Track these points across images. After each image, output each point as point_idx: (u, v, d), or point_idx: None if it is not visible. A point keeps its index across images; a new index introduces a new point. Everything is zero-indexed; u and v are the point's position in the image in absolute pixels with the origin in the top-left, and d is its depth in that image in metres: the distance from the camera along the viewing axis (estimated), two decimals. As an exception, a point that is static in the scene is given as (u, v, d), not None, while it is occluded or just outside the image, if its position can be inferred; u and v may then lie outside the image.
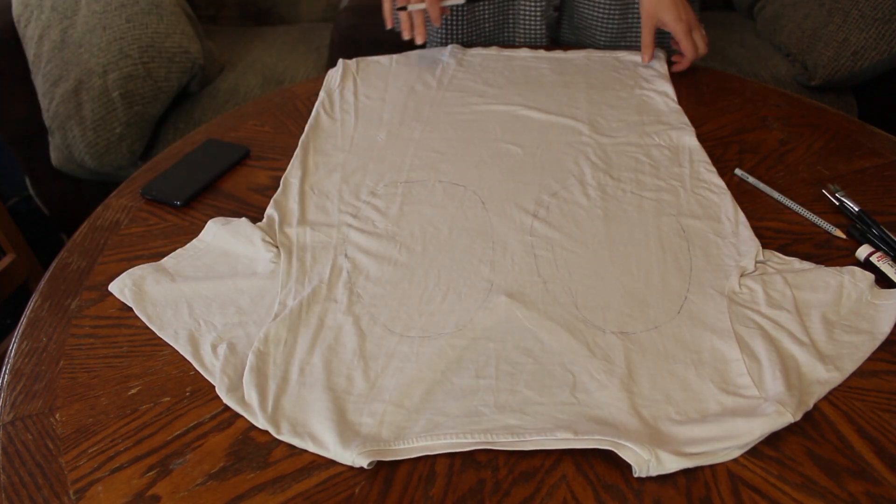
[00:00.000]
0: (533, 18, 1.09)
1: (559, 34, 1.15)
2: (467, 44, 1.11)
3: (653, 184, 0.76)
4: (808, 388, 0.53)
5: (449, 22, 1.10)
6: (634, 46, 1.09)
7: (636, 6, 1.05)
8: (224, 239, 0.67)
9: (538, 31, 1.10)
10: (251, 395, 0.52)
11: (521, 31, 1.11)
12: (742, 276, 0.63)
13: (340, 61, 0.99)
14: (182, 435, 0.51)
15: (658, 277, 0.63)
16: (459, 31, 1.11)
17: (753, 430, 0.49)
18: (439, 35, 1.12)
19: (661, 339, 0.57)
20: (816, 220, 0.70)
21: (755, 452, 0.49)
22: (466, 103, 0.91)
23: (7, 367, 0.57)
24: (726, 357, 0.56)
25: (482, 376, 0.54)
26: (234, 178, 0.79)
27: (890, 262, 0.63)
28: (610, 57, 1.03)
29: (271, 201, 0.72)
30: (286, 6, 1.97)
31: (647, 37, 0.99)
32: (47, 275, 0.66)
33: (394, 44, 1.05)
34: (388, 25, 0.99)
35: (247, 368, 0.54)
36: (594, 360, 0.55)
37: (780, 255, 0.65)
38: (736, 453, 0.49)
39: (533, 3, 1.07)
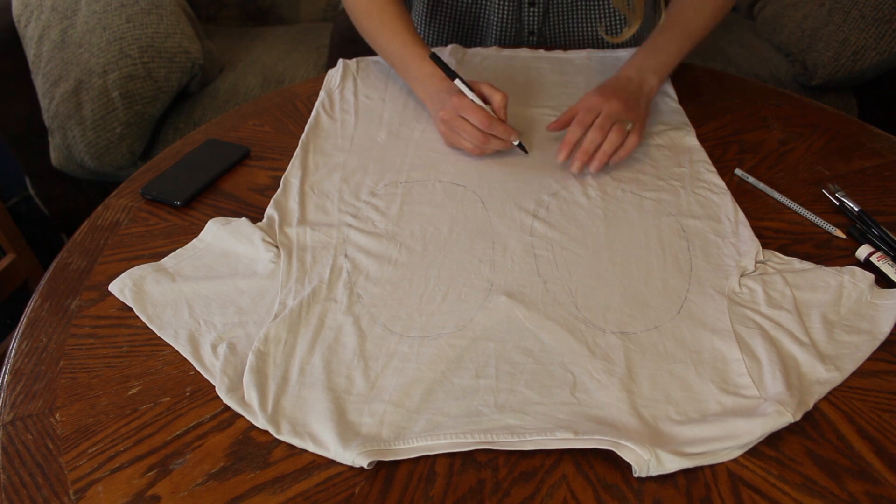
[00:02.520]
0: (506, 14, 1.07)
1: (546, 30, 1.11)
2: (443, 42, 1.11)
3: (653, 184, 0.76)
4: (808, 388, 0.53)
5: (425, 20, 1.11)
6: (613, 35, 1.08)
7: None
8: (224, 239, 0.67)
9: (511, 29, 1.08)
10: (251, 395, 0.52)
11: (495, 30, 1.09)
12: (742, 276, 0.63)
13: (340, 61, 0.99)
14: (182, 435, 0.51)
15: (658, 277, 0.63)
16: (440, 29, 1.11)
17: (753, 430, 0.49)
18: (419, 30, 1.13)
19: (661, 339, 0.57)
20: (816, 220, 0.70)
21: (755, 452, 0.49)
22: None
23: (7, 367, 0.57)
24: (726, 357, 0.56)
25: (482, 376, 0.54)
26: (234, 178, 0.79)
27: (890, 262, 0.63)
28: (610, 56, 1.02)
29: (271, 201, 0.72)
30: (286, 6, 1.97)
31: (573, 134, 0.77)
32: (47, 275, 0.66)
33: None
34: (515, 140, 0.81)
35: (247, 368, 0.54)
36: (594, 360, 0.55)
37: (780, 255, 0.65)
38: (736, 453, 0.49)
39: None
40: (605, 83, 0.83)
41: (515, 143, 0.79)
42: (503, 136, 0.78)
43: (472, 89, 0.80)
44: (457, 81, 0.80)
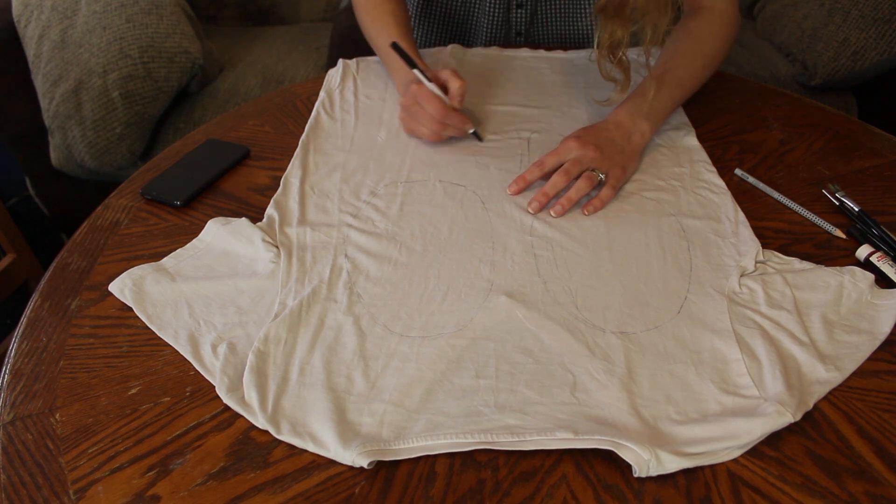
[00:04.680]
0: (495, 15, 1.07)
1: (533, 31, 1.12)
2: (433, 42, 1.13)
3: (653, 184, 0.76)
4: (808, 388, 0.53)
5: (416, 21, 1.12)
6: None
7: None
8: (224, 239, 0.67)
9: (500, 30, 1.09)
10: (251, 395, 0.52)
11: (484, 31, 1.10)
12: (742, 276, 0.63)
13: (340, 61, 0.99)
14: (182, 435, 0.51)
15: (658, 277, 0.63)
16: (430, 30, 1.12)
17: (753, 430, 0.49)
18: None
19: (661, 339, 0.57)
20: (816, 220, 0.70)
21: (755, 452, 0.49)
22: (467, 103, 0.91)
23: (7, 367, 0.57)
24: (726, 357, 0.56)
25: (482, 376, 0.54)
26: (234, 178, 0.79)
27: (890, 262, 0.63)
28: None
29: (271, 201, 0.72)
30: (286, 6, 1.97)
31: (535, 172, 0.74)
32: (47, 275, 0.66)
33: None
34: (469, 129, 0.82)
35: (247, 368, 0.54)
36: (594, 360, 0.55)
37: (780, 255, 0.65)
38: (736, 453, 0.49)
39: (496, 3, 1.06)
40: (590, 126, 0.78)
41: (470, 131, 0.81)
42: (457, 125, 0.80)
43: (429, 79, 0.80)
44: (415, 71, 0.82)
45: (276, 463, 0.49)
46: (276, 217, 0.70)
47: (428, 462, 0.49)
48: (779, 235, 0.69)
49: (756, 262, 0.64)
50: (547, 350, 0.56)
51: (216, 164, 0.80)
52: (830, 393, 0.53)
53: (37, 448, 0.50)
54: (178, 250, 0.67)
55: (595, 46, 0.77)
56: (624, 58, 0.78)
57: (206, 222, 0.69)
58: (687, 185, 0.75)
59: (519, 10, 1.07)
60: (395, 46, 0.84)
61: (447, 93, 0.81)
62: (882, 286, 0.62)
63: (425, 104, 0.79)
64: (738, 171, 0.78)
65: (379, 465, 0.49)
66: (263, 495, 0.47)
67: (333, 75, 0.97)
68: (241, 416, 0.52)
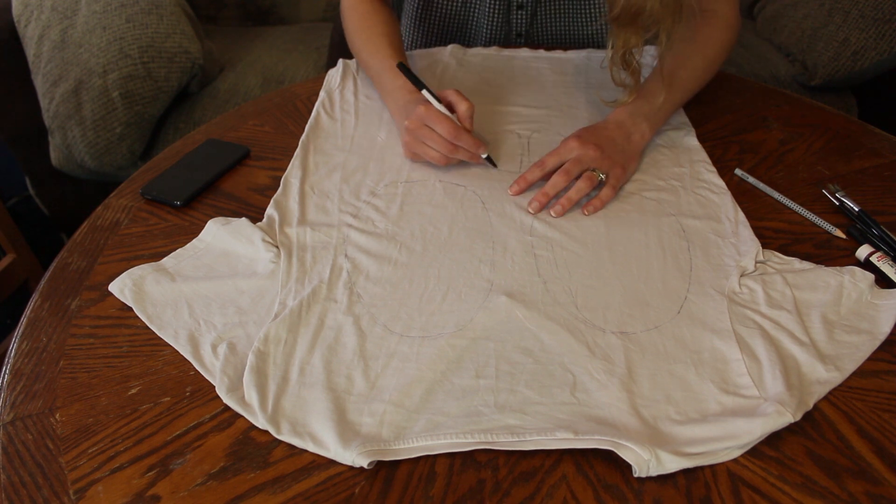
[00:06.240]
0: (495, 17, 1.07)
1: (533, 32, 1.12)
2: (433, 44, 1.12)
3: (653, 184, 0.76)
4: (808, 388, 0.53)
5: (415, 23, 1.12)
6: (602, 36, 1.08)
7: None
8: (224, 239, 0.67)
9: (500, 31, 1.09)
10: (251, 395, 0.52)
11: (484, 32, 1.10)
12: (742, 276, 0.63)
13: (340, 61, 0.99)
14: (182, 435, 0.51)
15: (658, 277, 0.63)
16: (429, 32, 1.12)
17: (753, 430, 0.49)
18: (409, 33, 1.14)
19: (661, 339, 0.57)
20: (816, 220, 0.70)
21: (755, 452, 0.49)
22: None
23: (7, 367, 0.57)
24: (726, 357, 0.56)
25: (482, 376, 0.54)
26: (234, 178, 0.79)
27: (890, 262, 0.63)
28: (610, 57, 1.02)
29: (271, 201, 0.72)
30: (286, 6, 1.97)
31: (536, 172, 0.74)
32: (47, 275, 0.66)
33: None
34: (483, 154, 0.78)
35: (247, 368, 0.54)
36: (594, 360, 0.55)
37: (780, 255, 0.65)
38: (736, 453, 0.49)
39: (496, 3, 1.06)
40: (591, 126, 0.78)
41: (483, 156, 0.77)
42: (470, 148, 0.75)
43: (438, 99, 0.77)
44: (424, 91, 0.78)
45: (276, 463, 0.49)
46: (276, 217, 0.70)
47: (428, 462, 0.49)
48: (779, 235, 0.69)
49: (756, 262, 0.64)
50: (547, 350, 0.56)
51: (216, 164, 0.80)
52: (830, 393, 0.53)
53: (37, 448, 0.50)
54: (178, 250, 0.67)
55: (609, 52, 0.76)
56: (636, 64, 0.77)
57: (206, 222, 0.69)
58: (687, 185, 0.75)
59: (519, 12, 1.07)
60: (401, 67, 0.81)
61: (454, 114, 0.78)
62: (882, 286, 0.62)
63: (435, 125, 0.74)
64: (738, 171, 0.78)
65: (379, 465, 0.49)
66: (263, 495, 0.47)
67: (333, 75, 0.97)
68: (241, 416, 0.52)
